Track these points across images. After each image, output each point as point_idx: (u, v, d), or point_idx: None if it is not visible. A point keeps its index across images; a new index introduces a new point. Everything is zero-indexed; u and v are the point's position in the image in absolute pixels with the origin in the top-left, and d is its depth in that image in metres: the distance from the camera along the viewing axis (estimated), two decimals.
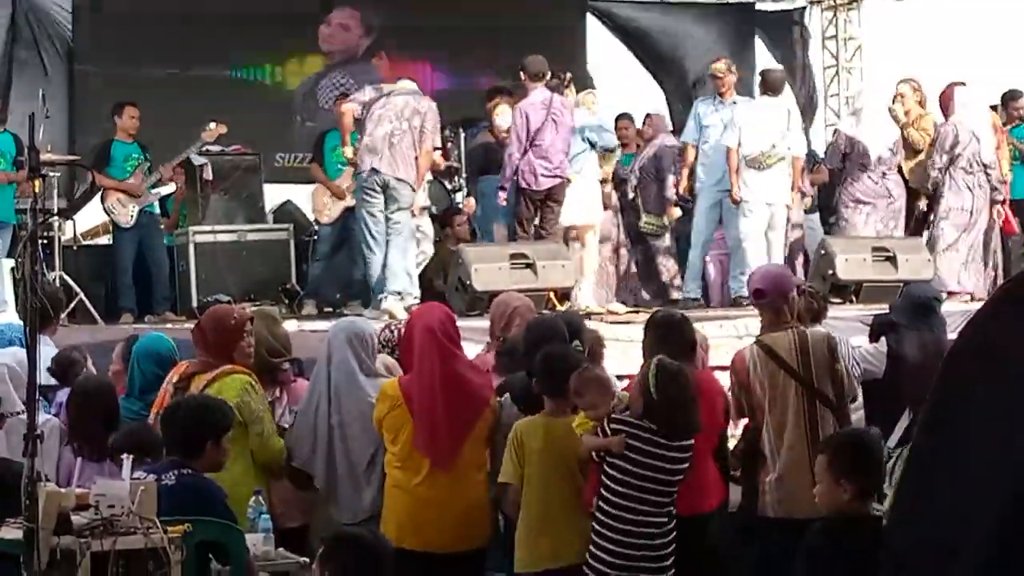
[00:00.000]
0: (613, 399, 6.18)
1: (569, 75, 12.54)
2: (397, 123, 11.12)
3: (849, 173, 13.04)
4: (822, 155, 14.36)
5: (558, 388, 6.30)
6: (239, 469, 6.39)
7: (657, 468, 6.05)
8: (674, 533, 6.15)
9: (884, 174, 12.96)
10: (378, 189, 11.19)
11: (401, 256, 11.22)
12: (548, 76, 11.75)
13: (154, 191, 12.49)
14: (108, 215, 12.42)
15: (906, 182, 13.29)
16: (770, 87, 12.70)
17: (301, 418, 6.93)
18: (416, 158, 11.17)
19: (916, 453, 2.18)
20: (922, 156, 13.17)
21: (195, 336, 6.89)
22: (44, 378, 7.24)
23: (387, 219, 11.20)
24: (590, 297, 12.07)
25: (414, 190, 11.26)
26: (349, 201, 12.58)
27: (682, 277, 13.24)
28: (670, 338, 6.70)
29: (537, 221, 11.75)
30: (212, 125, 12.60)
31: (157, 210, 13.03)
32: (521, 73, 11.78)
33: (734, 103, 12.66)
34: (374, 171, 11.13)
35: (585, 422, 6.16)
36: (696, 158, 12.78)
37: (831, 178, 13.76)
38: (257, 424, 6.59)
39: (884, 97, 13.51)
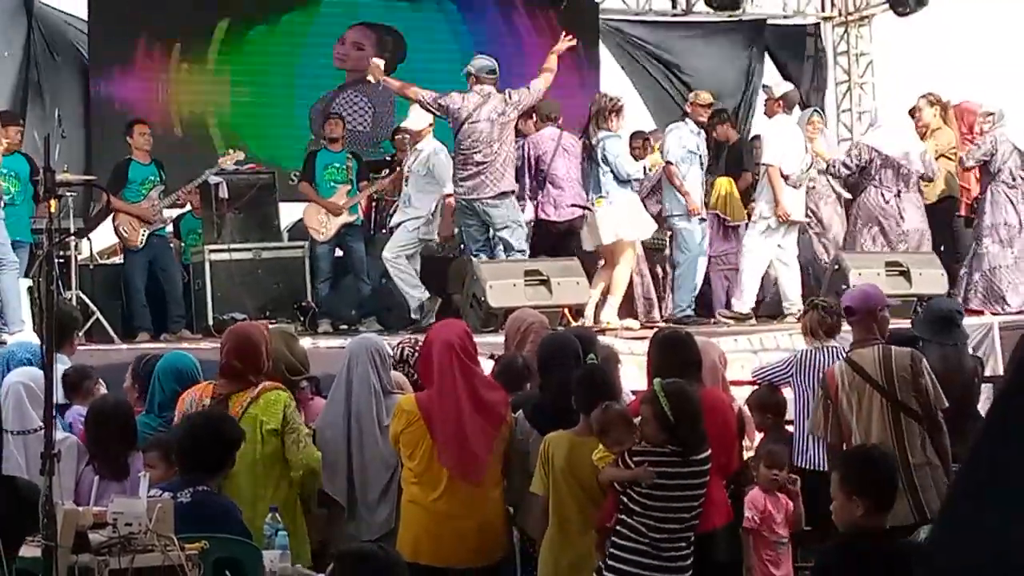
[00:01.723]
0: (636, 433, 6.17)
1: (621, 100, 12.62)
2: (486, 148, 11.36)
3: (864, 190, 12.89)
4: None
5: (592, 406, 6.30)
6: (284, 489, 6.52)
7: (684, 487, 6.06)
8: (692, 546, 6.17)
9: (899, 193, 12.83)
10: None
11: None
12: (559, 118, 11.99)
13: (166, 213, 12.52)
14: (119, 237, 12.46)
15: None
16: (789, 105, 12.78)
17: (319, 435, 6.93)
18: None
19: (978, 464, 2.00)
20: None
21: (231, 355, 6.74)
22: (60, 396, 7.29)
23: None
24: (613, 314, 12.08)
25: (511, 196, 11.51)
26: (346, 217, 12.64)
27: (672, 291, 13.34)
28: (675, 356, 6.70)
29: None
30: (230, 150, 12.67)
31: (170, 230, 13.09)
32: (534, 115, 11.98)
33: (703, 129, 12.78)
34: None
35: (607, 455, 6.14)
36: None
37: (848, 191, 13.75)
38: (298, 434, 6.59)
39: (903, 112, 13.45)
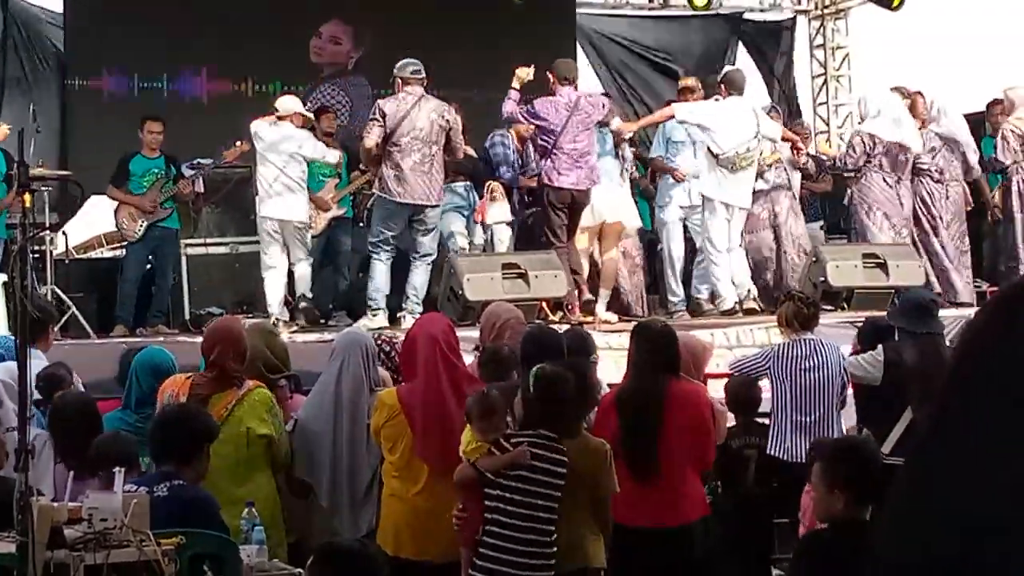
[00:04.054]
0: (505, 423, 6.08)
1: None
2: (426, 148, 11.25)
3: (864, 176, 12.75)
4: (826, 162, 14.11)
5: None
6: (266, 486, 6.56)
7: (551, 473, 5.93)
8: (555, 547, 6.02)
9: (899, 179, 12.74)
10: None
11: None
12: (575, 80, 11.76)
13: (169, 206, 12.23)
14: (118, 229, 12.38)
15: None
16: (735, 87, 12.46)
17: (303, 428, 6.89)
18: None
19: (924, 453, 1.93)
20: None
21: (226, 356, 6.70)
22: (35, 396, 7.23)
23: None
24: (603, 308, 11.95)
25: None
26: (335, 211, 12.58)
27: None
28: (654, 347, 6.68)
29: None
30: (237, 143, 12.42)
31: (177, 224, 12.80)
32: (549, 75, 11.72)
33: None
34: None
35: (480, 446, 6.04)
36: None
37: (842, 183, 13.70)
38: (277, 434, 6.65)
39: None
